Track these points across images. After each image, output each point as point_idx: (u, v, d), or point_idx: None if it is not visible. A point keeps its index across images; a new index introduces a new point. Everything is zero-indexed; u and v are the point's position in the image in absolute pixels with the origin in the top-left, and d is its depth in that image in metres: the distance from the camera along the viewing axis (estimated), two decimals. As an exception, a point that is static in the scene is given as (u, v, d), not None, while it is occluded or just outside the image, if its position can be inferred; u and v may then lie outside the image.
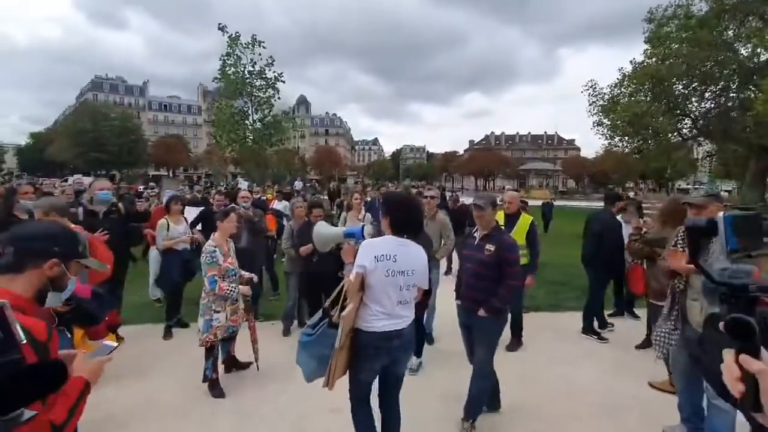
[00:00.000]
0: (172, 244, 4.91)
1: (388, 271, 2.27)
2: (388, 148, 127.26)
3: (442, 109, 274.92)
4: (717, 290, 0.78)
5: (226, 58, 13.82)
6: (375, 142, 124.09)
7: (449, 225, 4.65)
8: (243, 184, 19.43)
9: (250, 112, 14.44)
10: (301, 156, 56.90)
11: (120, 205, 4.90)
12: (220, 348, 3.71)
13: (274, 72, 14.59)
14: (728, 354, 0.69)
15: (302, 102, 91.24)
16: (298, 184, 22.59)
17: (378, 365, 2.39)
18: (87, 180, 28.30)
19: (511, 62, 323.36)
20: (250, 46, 13.89)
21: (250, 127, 14.46)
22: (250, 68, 14.12)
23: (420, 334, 3.84)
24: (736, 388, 0.67)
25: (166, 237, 4.92)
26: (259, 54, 14.11)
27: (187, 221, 5.40)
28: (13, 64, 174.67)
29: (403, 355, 2.49)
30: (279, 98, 14.85)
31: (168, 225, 4.98)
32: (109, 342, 1.53)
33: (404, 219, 2.42)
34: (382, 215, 2.48)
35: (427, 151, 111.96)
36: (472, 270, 3.10)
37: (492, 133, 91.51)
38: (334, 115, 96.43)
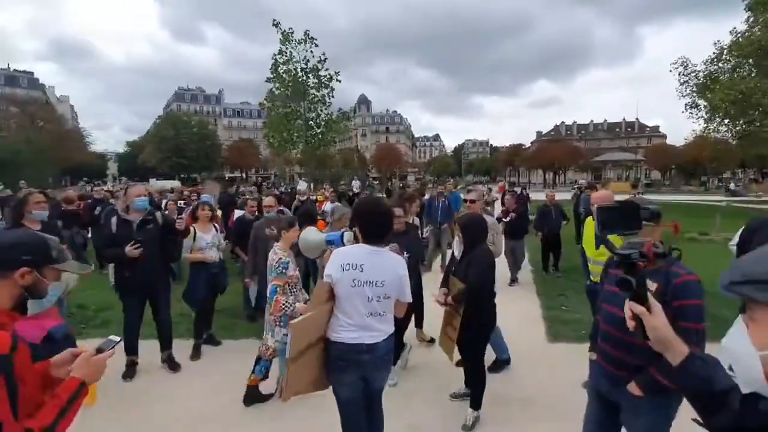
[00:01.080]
0: (195, 258, 4.44)
1: (354, 281, 2.15)
2: (450, 144, 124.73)
3: (506, 100, 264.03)
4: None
5: (278, 56, 13.81)
6: (436, 137, 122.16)
7: (497, 226, 4.34)
8: (302, 185, 19.67)
9: (303, 111, 14.35)
10: (360, 154, 57.27)
11: (157, 214, 4.31)
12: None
13: (328, 70, 14.33)
14: (626, 302, 0.99)
15: (363, 101, 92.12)
16: (355, 184, 22.40)
17: (349, 379, 2.24)
18: (170, 183, 30.29)
19: (583, 45, 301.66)
20: (302, 42, 13.75)
21: (303, 126, 14.37)
22: (303, 65, 14.01)
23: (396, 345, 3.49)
24: (630, 325, 0.98)
25: (193, 248, 4.44)
26: (311, 51, 13.95)
27: (217, 229, 4.88)
28: (112, 80, 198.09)
29: (378, 372, 2.31)
30: (333, 97, 14.63)
31: (195, 234, 4.48)
32: (113, 336, 1.48)
33: (372, 225, 2.26)
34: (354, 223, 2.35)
35: (491, 145, 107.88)
36: (617, 318, 1.61)
37: (562, 122, 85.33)
38: (394, 112, 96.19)
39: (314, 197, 12.86)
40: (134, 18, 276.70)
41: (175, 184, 40.34)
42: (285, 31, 13.65)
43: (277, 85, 13.86)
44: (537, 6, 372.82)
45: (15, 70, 70.06)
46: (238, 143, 65.17)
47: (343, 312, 2.19)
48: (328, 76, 14.29)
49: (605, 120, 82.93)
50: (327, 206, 10.24)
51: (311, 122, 14.40)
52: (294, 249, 3.45)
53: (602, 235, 1.14)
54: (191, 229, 4.52)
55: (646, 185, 48.05)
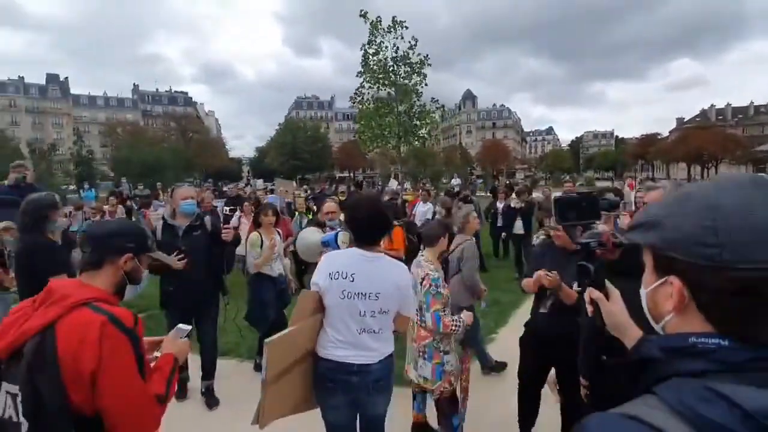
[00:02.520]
0: (264, 262, 3.90)
1: (344, 292, 1.85)
2: (565, 137, 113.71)
3: (634, 84, 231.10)
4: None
5: (367, 46, 12.84)
6: (549, 131, 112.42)
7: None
8: (392, 183, 18.72)
9: (395, 104, 13.17)
10: (464, 150, 54.75)
11: (207, 219, 3.68)
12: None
13: (419, 55, 12.90)
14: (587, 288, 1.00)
15: (468, 97, 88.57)
16: (455, 182, 20.68)
17: (337, 402, 1.95)
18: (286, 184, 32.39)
19: (735, 12, 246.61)
20: (392, 29, 12.57)
21: (394, 120, 13.20)
22: (392, 54, 12.82)
23: None
24: (589, 309, 0.99)
25: (260, 256, 3.88)
26: (401, 36, 12.67)
27: (281, 235, 4.33)
28: (246, 95, 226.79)
29: (372, 397, 1.95)
30: (426, 84, 13.11)
31: (261, 241, 3.96)
32: (183, 325, 1.60)
33: (364, 226, 1.93)
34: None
35: (616, 136, 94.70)
36: None
37: (711, 106, 69.84)
38: (502, 106, 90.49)
39: (406, 197, 11.66)
40: (263, 40, 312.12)
41: (290, 183, 43.75)
42: (373, 20, 12.63)
43: (367, 77, 12.95)
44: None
45: (175, 91, 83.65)
46: (346, 144, 67.90)
47: (332, 326, 1.92)
48: (419, 62, 12.86)
49: (774, 99, 65.77)
50: (419, 207, 8.85)
51: (403, 115, 13.16)
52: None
53: (561, 225, 1.31)
54: (256, 235, 4.04)
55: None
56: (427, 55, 13.18)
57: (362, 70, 12.95)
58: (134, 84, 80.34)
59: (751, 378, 0.50)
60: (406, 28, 12.75)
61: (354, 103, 14.00)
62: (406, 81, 12.81)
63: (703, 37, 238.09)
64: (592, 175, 67.36)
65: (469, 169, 48.94)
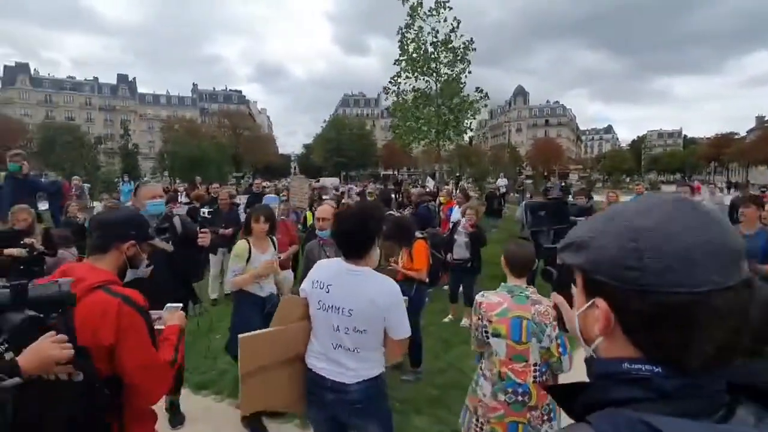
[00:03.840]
0: (244, 282, 3.04)
1: (320, 302, 1.79)
2: (625, 136, 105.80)
3: (704, 79, 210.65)
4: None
5: (405, 30, 11.48)
6: (608, 129, 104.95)
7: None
8: (430, 182, 17.32)
9: (434, 94, 11.75)
10: (513, 149, 51.62)
11: (175, 220, 3.19)
12: None
13: (462, 37, 11.36)
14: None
15: (519, 93, 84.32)
16: (501, 183, 18.85)
17: (316, 416, 1.89)
18: (329, 180, 31.72)
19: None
20: (434, 12, 11.11)
21: (434, 113, 11.76)
22: (433, 39, 11.37)
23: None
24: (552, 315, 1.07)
25: (243, 271, 3.07)
26: (445, 19, 11.19)
27: (274, 243, 3.36)
28: (297, 93, 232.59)
29: (354, 420, 1.82)
30: (470, 72, 11.56)
31: (249, 252, 3.12)
32: (172, 305, 1.77)
33: (343, 237, 1.81)
34: None
35: (685, 136, 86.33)
36: None
37: (804, 102, 61.25)
38: (556, 102, 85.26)
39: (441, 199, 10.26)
40: (313, 39, 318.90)
41: (335, 181, 43.42)
42: (413, 3, 11.27)
43: (404, 65, 11.64)
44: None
45: (230, 90, 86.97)
46: (391, 142, 66.83)
47: (314, 335, 1.86)
48: (462, 46, 11.34)
49: None
50: (455, 210, 7.54)
51: (443, 107, 11.71)
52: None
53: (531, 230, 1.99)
54: (243, 243, 3.18)
55: None
56: (472, 39, 11.69)
57: (399, 58, 11.70)
58: (193, 83, 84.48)
59: (685, 407, 0.49)
60: (450, 8, 11.26)
61: (387, 94, 12.69)
62: (448, 70, 11.40)
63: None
64: (656, 178, 61.42)
65: (518, 169, 46.00)
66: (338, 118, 64.83)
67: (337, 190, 13.35)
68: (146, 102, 79.15)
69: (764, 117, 62.60)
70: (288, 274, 4.63)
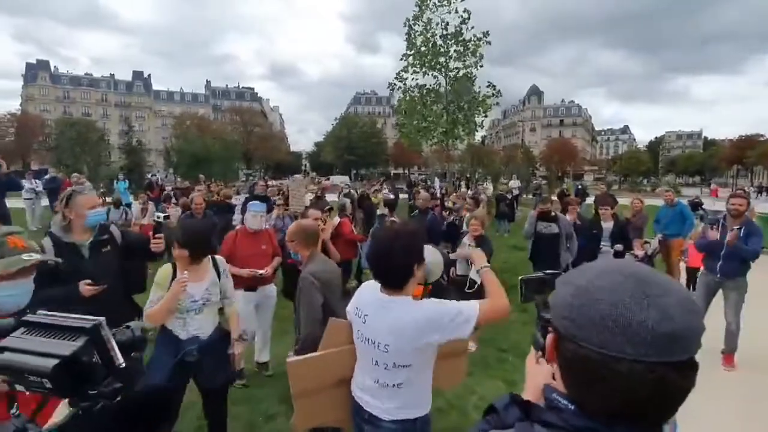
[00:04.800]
0: (155, 316, 2.39)
1: (359, 332, 1.66)
2: (642, 137, 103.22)
3: (726, 79, 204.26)
4: None
5: (412, 22, 10.61)
6: (624, 130, 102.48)
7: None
8: (437, 184, 16.50)
9: (443, 91, 10.86)
10: (527, 149, 50.24)
11: (113, 229, 2.74)
12: None
13: (473, 29, 10.42)
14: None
15: (533, 92, 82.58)
16: (514, 184, 17.80)
17: None
18: (339, 179, 30.70)
19: None
20: (444, 2, 10.17)
21: (442, 111, 10.88)
22: (442, 31, 10.47)
23: None
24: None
25: (159, 300, 2.38)
26: (455, 9, 10.27)
27: (217, 268, 2.65)
28: (309, 92, 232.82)
29: None
30: (482, 66, 10.61)
31: (172, 276, 2.44)
32: None
33: (377, 267, 1.64)
34: None
35: (705, 137, 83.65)
36: None
37: (834, 103, 58.42)
38: (571, 102, 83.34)
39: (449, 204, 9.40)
40: (326, 38, 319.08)
41: (344, 179, 42.83)
42: (422, -7, 10.39)
43: (411, 60, 10.77)
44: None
45: (242, 87, 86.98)
46: (401, 141, 66.01)
47: (358, 362, 1.73)
48: (474, 39, 10.43)
49: None
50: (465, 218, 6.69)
51: (452, 105, 10.81)
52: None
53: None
54: (166, 269, 2.53)
55: None
56: (486, 32, 10.78)
57: (407, 52, 10.84)
58: (207, 80, 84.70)
59: None
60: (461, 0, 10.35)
61: (393, 90, 11.83)
62: (459, 64, 10.53)
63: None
64: (674, 180, 59.29)
65: (532, 170, 44.67)
66: (349, 116, 64.18)
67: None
68: (161, 99, 79.70)
69: (791, 118, 59.89)
70: (270, 291, 3.96)
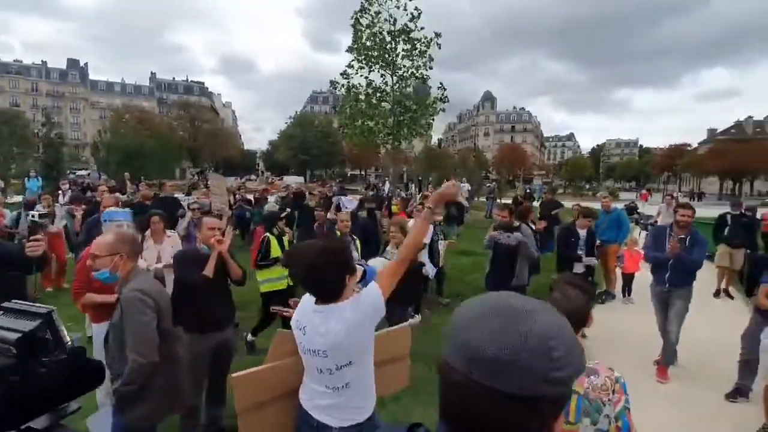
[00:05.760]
0: None
1: (301, 344, 1.70)
2: (586, 144, 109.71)
3: (662, 93, 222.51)
4: None
5: (359, 15, 10.04)
6: (570, 137, 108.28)
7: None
8: (386, 186, 16.13)
9: (390, 90, 10.41)
10: (479, 153, 51.46)
11: None
12: None
13: (424, 34, 10.04)
14: None
15: (487, 98, 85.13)
16: (464, 188, 17.62)
17: None
18: (293, 180, 29.48)
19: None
20: (392, -5, 9.70)
21: (388, 112, 10.41)
22: (390, 27, 10.01)
23: None
24: None
25: None
26: (404, 6, 9.85)
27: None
28: (265, 89, 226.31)
29: None
30: (431, 68, 10.27)
31: None
32: None
33: (299, 279, 1.78)
34: None
35: (641, 146, 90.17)
36: None
37: (749, 118, 64.78)
38: (522, 109, 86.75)
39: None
40: (283, 34, 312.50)
41: (299, 179, 41.53)
42: (370, -16, 9.86)
43: (356, 54, 10.20)
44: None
45: (191, 81, 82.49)
46: (364, 143, 65.26)
47: (305, 372, 1.78)
48: (424, 41, 10.09)
49: (820, 113, 60.43)
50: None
51: (398, 106, 10.37)
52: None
53: None
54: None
55: None
56: (439, 34, 10.46)
57: (353, 46, 10.26)
58: (151, 72, 79.59)
59: None
60: (411, -6, 9.91)
61: (335, 88, 11.17)
62: (407, 62, 10.10)
63: (740, 45, 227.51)
64: (613, 185, 63.40)
65: (485, 173, 45.77)
66: (304, 115, 62.55)
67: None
68: (98, 89, 73.85)
69: (715, 130, 66.04)
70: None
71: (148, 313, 2.02)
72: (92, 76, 73.89)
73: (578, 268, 4.86)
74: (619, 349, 4.51)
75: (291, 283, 4.26)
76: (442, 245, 5.64)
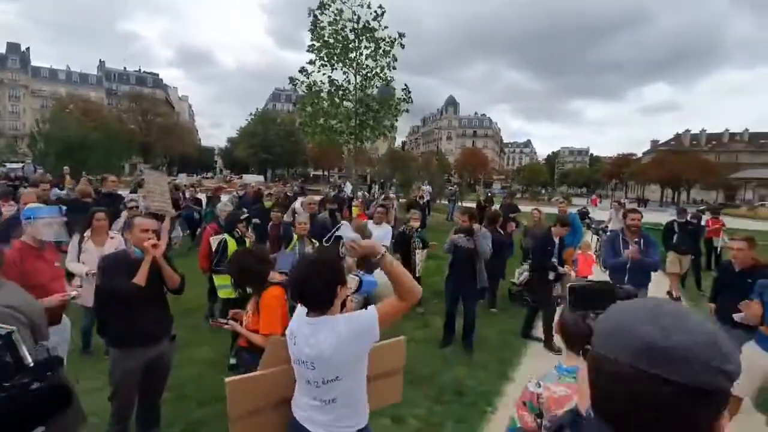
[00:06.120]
0: None
1: (292, 353, 1.71)
2: (542, 151, 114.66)
3: (611, 105, 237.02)
4: None
5: (318, 11, 9.75)
6: (527, 144, 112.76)
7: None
8: (348, 187, 15.91)
9: (352, 88, 10.21)
10: (441, 156, 52.35)
11: None
12: None
13: (386, 29, 9.91)
14: None
15: (450, 103, 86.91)
16: (426, 190, 17.67)
17: None
18: (252, 178, 28.30)
19: (713, 42, 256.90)
20: (354, -9, 9.53)
21: (351, 111, 10.20)
22: (354, 25, 9.81)
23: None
24: None
25: None
26: (368, 4, 9.66)
27: None
28: (226, 83, 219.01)
29: None
30: (395, 68, 10.15)
31: None
32: None
33: (292, 290, 1.78)
34: None
35: (591, 154, 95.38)
36: None
37: (687, 131, 70.29)
38: (483, 115, 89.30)
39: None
40: (246, 28, 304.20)
41: (259, 178, 40.17)
42: (332, -22, 9.61)
43: (318, 52, 9.88)
44: None
45: (144, 72, 78.07)
46: (327, 143, 64.29)
47: (296, 379, 1.76)
48: (389, 40, 9.98)
49: (746, 129, 66.62)
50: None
51: (360, 106, 10.17)
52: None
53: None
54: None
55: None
56: (403, 34, 10.37)
57: (313, 43, 9.94)
58: (100, 60, 74.55)
59: None
60: (375, -9, 9.76)
61: (295, 85, 10.78)
62: (371, 62, 9.93)
63: (680, 63, 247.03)
64: (566, 191, 66.62)
65: (447, 177, 46.56)
66: (266, 112, 60.85)
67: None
68: (41, 76, 68.38)
69: (658, 141, 71.09)
70: (66, 326, 2.94)
71: (21, 331, 1.76)
72: (34, 62, 68.64)
73: (550, 275, 4.88)
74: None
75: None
76: (420, 254, 5.46)
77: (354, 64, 10.13)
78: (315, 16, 9.88)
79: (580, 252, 6.59)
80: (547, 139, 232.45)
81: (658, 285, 6.89)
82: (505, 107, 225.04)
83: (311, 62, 10.21)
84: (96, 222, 3.89)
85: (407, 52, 10.51)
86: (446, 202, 17.95)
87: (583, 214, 14.75)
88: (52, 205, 3.47)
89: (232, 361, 3.66)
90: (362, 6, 9.79)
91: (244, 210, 6.75)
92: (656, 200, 51.08)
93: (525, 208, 10.47)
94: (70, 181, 10.48)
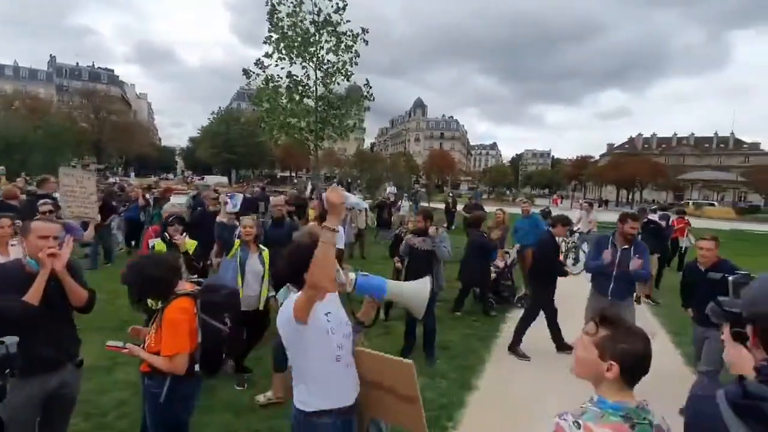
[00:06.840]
0: None
1: None
2: (507, 153, 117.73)
3: (571, 110, 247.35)
4: None
5: (276, 1, 9.26)
6: (493, 146, 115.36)
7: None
8: (309, 188, 15.44)
9: (312, 84, 9.80)
10: (409, 158, 52.55)
11: None
12: None
13: (348, 23, 9.56)
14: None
15: (419, 105, 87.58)
16: (391, 190, 17.39)
17: None
18: (213, 179, 27.07)
19: (661, 52, 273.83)
20: (314, -17, 9.08)
21: (312, 108, 9.76)
22: (314, 17, 9.41)
23: None
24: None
25: None
26: (330, -5, 9.26)
27: None
28: (188, 81, 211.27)
29: None
30: (357, 63, 9.80)
31: None
32: None
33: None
34: None
35: (552, 156, 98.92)
36: None
37: (639, 134, 74.23)
38: (450, 117, 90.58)
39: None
40: (209, 25, 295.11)
41: (223, 179, 38.67)
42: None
43: (277, 45, 9.38)
44: (611, 9, 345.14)
45: (98, 68, 73.64)
46: (287, 141, 62.96)
47: None
48: (350, 34, 9.62)
49: (692, 134, 71.10)
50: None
51: (321, 103, 9.75)
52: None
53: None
54: None
55: (747, 211, 39.37)
56: (366, 30, 10.03)
57: (270, 35, 9.41)
58: (51, 55, 69.68)
59: None
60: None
61: (249, 79, 10.21)
62: (332, 57, 9.54)
63: (632, 71, 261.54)
64: (530, 192, 68.71)
65: (415, 178, 46.70)
66: (229, 111, 58.86)
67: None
68: (-16, 71, 63.09)
69: (613, 144, 74.59)
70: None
71: None
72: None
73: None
74: (548, 354, 4.41)
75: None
76: None
77: (314, 59, 9.70)
78: (273, 5, 9.37)
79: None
80: (512, 141, 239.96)
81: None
82: (472, 110, 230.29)
83: (268, 55, 9.68)
84: None
85: (376, 53, 10.38)
86: (410, 202, 17.75)
87: (546, 214, 15.03)
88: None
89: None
90: (323, -2, 9.39)
91: (190, 210, 6.21)
92: (612, 201, 53.47)
93: (490, 208, 10.44)
94: (5, 182, 9.50)
